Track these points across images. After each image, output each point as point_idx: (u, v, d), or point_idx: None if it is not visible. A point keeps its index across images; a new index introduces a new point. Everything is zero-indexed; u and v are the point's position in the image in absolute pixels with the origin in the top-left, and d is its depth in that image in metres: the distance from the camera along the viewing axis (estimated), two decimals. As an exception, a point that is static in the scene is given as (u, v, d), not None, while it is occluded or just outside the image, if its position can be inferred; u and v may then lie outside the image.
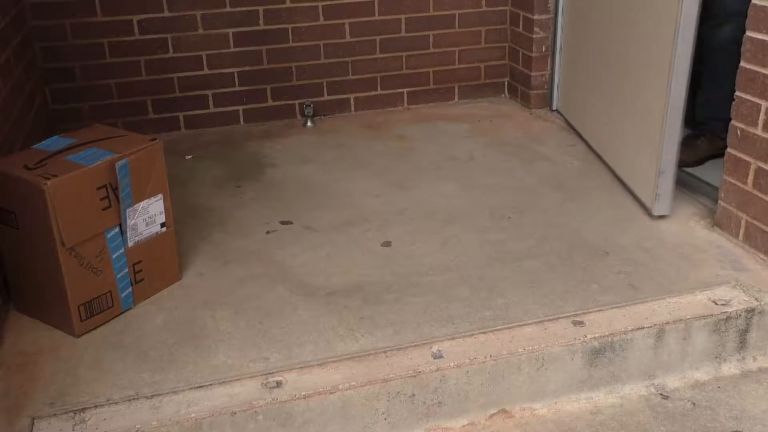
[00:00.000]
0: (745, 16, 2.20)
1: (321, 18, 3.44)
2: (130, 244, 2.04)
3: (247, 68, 3.42)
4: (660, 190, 2.46)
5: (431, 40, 3.63)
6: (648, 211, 2.52)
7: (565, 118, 3.44)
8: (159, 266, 2.14)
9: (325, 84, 3.54)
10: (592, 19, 3.07)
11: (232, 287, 2.19)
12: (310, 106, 3.47)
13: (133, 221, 2.03)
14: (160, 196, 2.10)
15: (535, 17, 3.44)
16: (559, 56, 3.48)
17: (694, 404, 1.95)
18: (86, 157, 1.95)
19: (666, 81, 2.37)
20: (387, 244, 2.41)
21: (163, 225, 2.13)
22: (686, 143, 2.64)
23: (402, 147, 3.22)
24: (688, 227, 2.46)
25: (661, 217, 2.50)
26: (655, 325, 1.97)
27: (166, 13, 3.27)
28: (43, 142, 2.06)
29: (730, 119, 2.32)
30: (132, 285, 2.07)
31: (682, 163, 2.58)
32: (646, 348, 1.98)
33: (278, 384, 1.77)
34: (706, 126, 2.88)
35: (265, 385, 1.76)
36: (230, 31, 3.36)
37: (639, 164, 2.61)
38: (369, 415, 1.81)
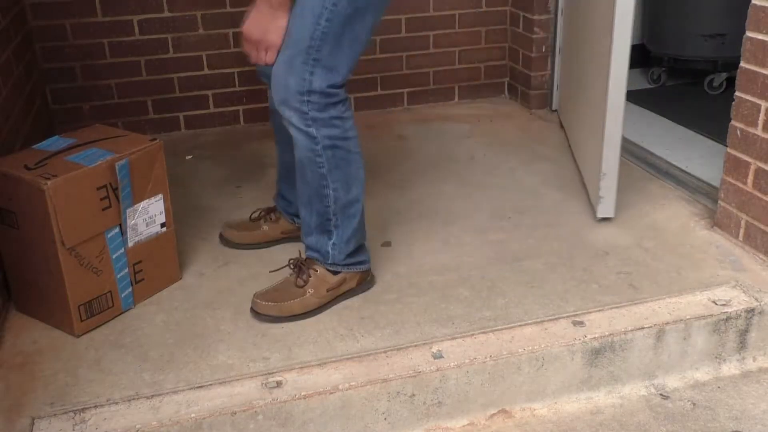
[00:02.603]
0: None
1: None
2: (131, 244, 2.04)
3: (247, 68, 3.42)
4: (603, 192, 2.45)
5: (431, 40, 3.63)
6: (593, 213, 2.52)
7: (560, 119, 3.44)
8: (159, 266, 2.14)
9: (325, 84, 3.54)
10: (579, 20, 3.08)
11: (232, 287, 2.19)
12: (310, 106, 3.46)
13: (133, 221, 2.03)
14: (161, 196, 2.10)
15: (535, 17, 3.45)
16: (559, 57, 3.48)
17: (694, 404, 1.95)
18: (86, 157, 1.95)
19: (606, 80, 2.36)
20: (387, 244, 2.41)
21: (163, 225, 2.13)
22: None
23: (402, 147, 3.22)
24: (688, 227, 2.46)
25: (605, 219, 2.49)
26: (655, 325, 1.97)
27: (166, 13, 3.27)
28: (43, 142, 2.06)
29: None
30: (132, 285, 2.07)
31: None
32: (646, 348, 1.98)
33: (278, 384, 1.77)
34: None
35: (265, 385, 1.76)
36: (230, 31, 3.36)
37: (590, 166, 2.62)
38: (369, 415, 1.81)
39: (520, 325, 1.97)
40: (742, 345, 2.07)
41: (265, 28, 1.84)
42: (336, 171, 1.95)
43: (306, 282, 2.04)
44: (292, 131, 1.91)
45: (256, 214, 2.42)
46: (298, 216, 2.28)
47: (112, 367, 1.85)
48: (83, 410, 1.70)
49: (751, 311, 2.04)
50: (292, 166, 2.13)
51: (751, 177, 2.25)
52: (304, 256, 2.10)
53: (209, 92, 3.43)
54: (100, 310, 2.00)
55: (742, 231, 2.31)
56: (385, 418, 1.82)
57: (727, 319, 2.02)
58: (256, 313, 2.02)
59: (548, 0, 3.42)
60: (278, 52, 1.87)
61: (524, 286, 2.15)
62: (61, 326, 1.98)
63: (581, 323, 1.97)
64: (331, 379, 1.78)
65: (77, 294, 1.94)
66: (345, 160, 1.96)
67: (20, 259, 1.99)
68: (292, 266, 2.09)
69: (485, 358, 1.85)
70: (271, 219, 2.40)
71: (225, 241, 2.41)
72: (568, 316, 2.00)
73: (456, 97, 3.78)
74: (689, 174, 2.78)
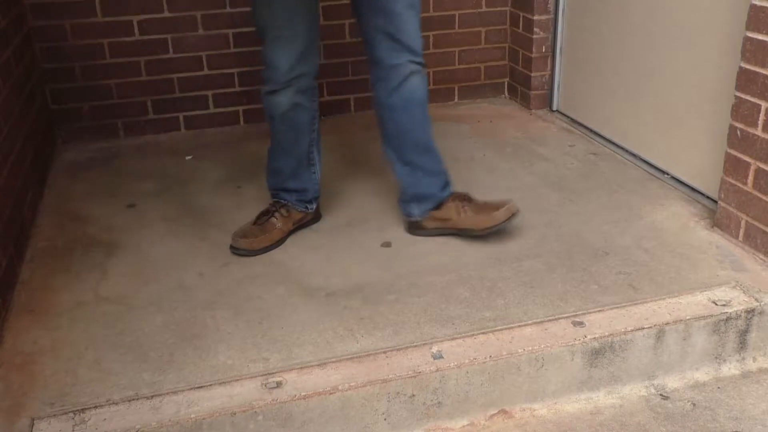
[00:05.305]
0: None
1: (321, 18, 3.43)
2: None
3: (246, 69, 3.42)
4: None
5: (431, 40, 3.63)
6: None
7: (572, 119, 3.44)
8: None
9: (325, 84, 3.54)
10: (610, 16, 3.08)
11: (232, 287, 2.19)
12: (310, 106, 3.46)
13: None
14: None
15: (535, 18, 3.45)
16: (560, 57, 3.48)
17: (694, 405, 1.95)
18: None
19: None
20: (387, 244, 2.41)
21: None
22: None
23: (402, 147, 3.21)
24: (688, 227, 2.46)
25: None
26: (655, 325, 1.97)
27: (166, 14, 3.27)
28: None
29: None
30: None
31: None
32: (646, 348, 1.98)
33: (278, 384, 1.77)
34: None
35: (265, 385, 1.76)
36: (230, 31, 3.36)
37: (699, 160, 2.62)
38: (369, 416, 1.81)
39: (519, 326, 1.97)
40: (742, 345, 2.07)
41: None
42: None
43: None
44: (417, 80, 2.35)
45: (265, 218, 2.41)
46: (310, 202, 2.50)
47: (112, 367, 1.85)
48: (83, 410, 1.70)
49: (751, 311, 2.04)
50: (305, 155, 2.45)
51: (751, 177, 2.25)
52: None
53: (209, 92, 3.43)
54: None
55: (742, 231, 2.31)
56: (384, 419, 1.82)
57: (727, 319, 2.02)
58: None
59: (548, 0, 3.42)
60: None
61: (524, 286, 2.15)
62: None
63: (581, 323, 1.97)
64: (331, 380, 1.78)
65: None
66: None
67: None
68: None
69: (485, 358, 1.85)
70: (282, 214, 2.43)
71: (242, 252, 2.34)
72: (567, 317, 2.00)
73: (456, 97, 3.78)
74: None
